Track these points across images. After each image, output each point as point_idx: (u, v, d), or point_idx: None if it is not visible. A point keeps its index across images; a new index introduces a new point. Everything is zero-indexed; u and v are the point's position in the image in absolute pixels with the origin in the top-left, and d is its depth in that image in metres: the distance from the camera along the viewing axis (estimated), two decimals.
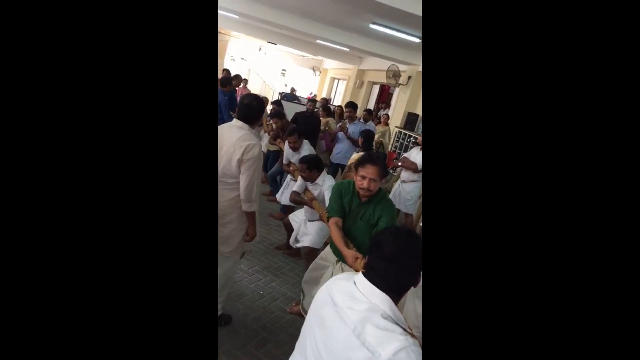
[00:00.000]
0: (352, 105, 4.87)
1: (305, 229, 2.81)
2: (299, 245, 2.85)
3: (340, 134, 4.62)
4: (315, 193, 2.78)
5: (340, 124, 4.81)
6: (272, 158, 4.62)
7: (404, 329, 0.84)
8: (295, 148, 3.61)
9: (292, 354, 1.04)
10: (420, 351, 0.80)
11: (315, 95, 6.55)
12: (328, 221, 1.92)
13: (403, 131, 7.15)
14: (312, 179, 2.77)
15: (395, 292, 0.90)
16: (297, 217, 2.99)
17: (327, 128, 4.87)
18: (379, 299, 0.88)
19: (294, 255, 3.11)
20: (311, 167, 2.73)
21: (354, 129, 4.64)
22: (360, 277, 0.93)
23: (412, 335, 0.84)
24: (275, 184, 4.41)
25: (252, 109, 1.89)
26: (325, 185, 2.70)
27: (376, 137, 5.66)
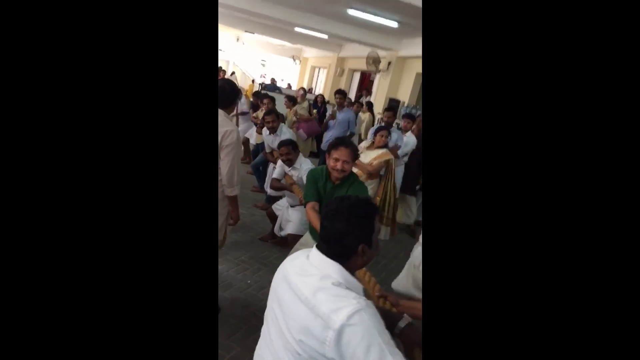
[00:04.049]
0: (341, 93, 4.87)
1: (288, 215, 2.81)
2: (283, 233, 2.84)
3: (331, 122, 4.68)
4: (295, 177, 2.79)
5: (330, 112, 4.85)
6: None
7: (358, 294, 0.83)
8: (273, 128, 3.64)
9: (259, 338, 1.02)
10: (375, 312, 0.79)
11: (302, 89, 6.42)
12: (305, 206, 1.96)
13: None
14: (294, 160, 2.83)
15: (342, 257, 0.89)
16: (280, 205, 2.99)
17: (298, 117, 4.89)
18: (329, 267, 0.87)
19: (280, 244, 3.10)
20: (295, 148, 2.86)
21: (343, 117, 4.68)
22: (313, 251, 0.93)
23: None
24: (258, 174, 4.37)
25: (225, 93, 1.84)
26: (302, 169, 2.75)
27: (362, 125, 5.68)
